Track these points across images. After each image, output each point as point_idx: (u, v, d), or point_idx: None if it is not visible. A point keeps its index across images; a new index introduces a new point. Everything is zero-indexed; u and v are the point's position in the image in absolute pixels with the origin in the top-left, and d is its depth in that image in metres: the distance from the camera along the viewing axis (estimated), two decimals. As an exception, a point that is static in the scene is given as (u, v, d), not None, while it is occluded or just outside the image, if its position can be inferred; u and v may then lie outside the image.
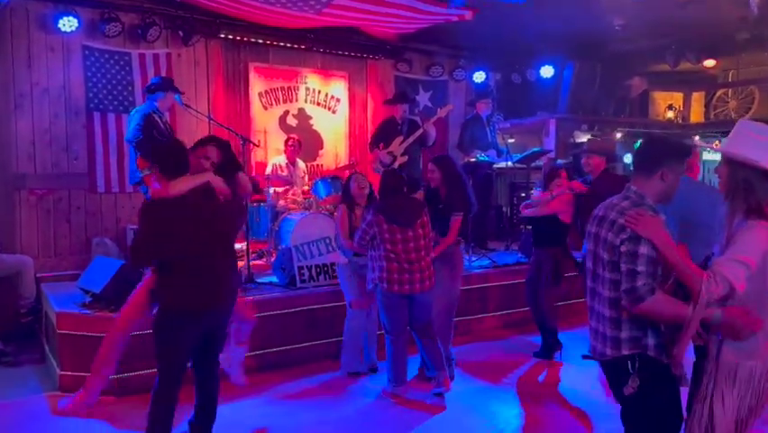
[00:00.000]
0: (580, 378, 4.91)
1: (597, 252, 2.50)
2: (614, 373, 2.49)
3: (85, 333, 4.58)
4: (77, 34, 6.42)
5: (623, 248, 2.33)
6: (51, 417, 4.22)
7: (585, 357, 2.68)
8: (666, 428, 2.48)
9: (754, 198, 2.36)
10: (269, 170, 7.21)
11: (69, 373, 4.60)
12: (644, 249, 2.31)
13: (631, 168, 2.58)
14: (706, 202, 4.06)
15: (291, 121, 8.14)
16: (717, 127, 11.64)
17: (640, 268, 2.30)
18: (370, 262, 4.56)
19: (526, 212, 5.46)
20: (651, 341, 2.38)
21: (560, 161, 7.67)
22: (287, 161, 7.20)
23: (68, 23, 6.25)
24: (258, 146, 7.47)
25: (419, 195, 5.49)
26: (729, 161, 2.42)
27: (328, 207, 6.39)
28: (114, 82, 6.76)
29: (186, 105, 6.15)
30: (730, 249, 2.31)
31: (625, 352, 2.40)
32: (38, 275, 5.86)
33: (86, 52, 6.60)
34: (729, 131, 2.51)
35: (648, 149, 2.57)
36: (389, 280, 4.38)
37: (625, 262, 2.33)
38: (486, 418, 4.28)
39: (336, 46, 8.24)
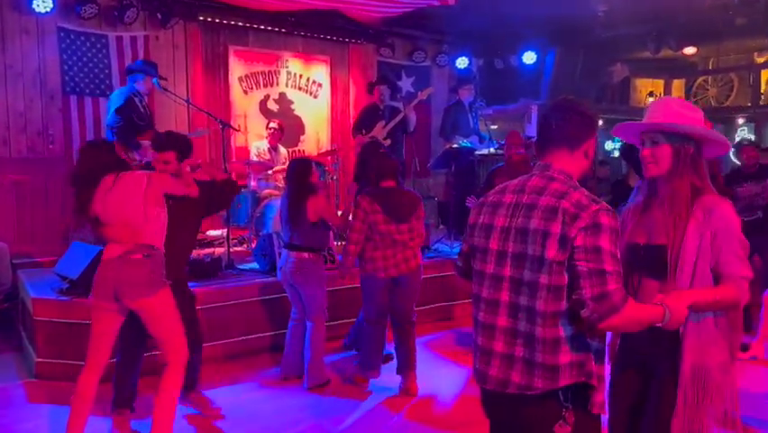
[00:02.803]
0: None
1: (515, 250, 1.93)
2: (537, 412, 1.91)
3: (62, 320, 4.52)
4: (52, 15, 6.28)
5: (578, 241, 1.81)
6: (28, 404, 4.18)
7: (484, 389, 2.02)
8: None
9: (700, 175, 2.18)
10: (253, 154, 7.13)
11: (46, 360, 4.54)
12: (605, 242, 1.81)
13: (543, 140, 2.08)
14: None
15: (272, 105, 8.06)
16: (697, 114, 11.76)
17: (608, 267, 1.79)
18: (344, 245, 4.36)
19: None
20: (594, 366, 1.89)
21: None
22: (268, 146, 7.13)
23: (42, 4, 6.10)
24: (238, 131, 7.40)
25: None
26: (671, 137, 2.18)
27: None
28: (90, 65, 6.64)
29: (164, 88, 6.06)
30: (725, 243, 2.10)
31: (563, 382, 1.86)
32: (14, 261, 5.77)
33: (62, 34, 6.46)
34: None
35: (572, 118, 2.02)
36: (375, 268, 4.27)
37: (586, 259, 1.80)
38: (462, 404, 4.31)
39: (318, 30, 8.16)
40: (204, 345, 4.28)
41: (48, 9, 6.14)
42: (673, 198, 2.16)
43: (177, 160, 3.65)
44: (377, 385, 4.48)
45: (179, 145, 3.69)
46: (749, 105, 11.17)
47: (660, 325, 1.95)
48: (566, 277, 1.84)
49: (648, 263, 2.20)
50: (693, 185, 2.16)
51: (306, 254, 4.37)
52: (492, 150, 7.54)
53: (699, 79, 11.85)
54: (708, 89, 11.72)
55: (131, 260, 3.25)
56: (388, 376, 4.51)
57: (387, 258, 4.26)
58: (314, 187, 4.42)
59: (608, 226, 1.82)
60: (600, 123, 11.12)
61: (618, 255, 1.84)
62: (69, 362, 4.50)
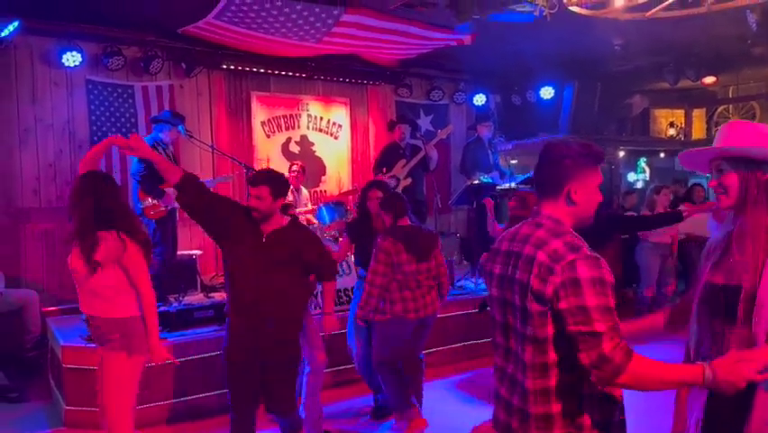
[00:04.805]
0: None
1: (510, 298, 1.91)
2: None
3: (91, 367, 4.52)
4: (81, 68, 6.49)
5: (562, 304, 1.72)
6: (57, 453, 4.18)
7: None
8: None
9: None
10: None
11: (75, 408, 4.55)
12: (591, 298, 1.69)
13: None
14: None
15: (294, 148, 8.17)
16: (720, 143, 11.64)
17: (600, 327, 1.67)
18: (366, 289, 4.21)
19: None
20: (586, 419, 1.83)
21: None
22: (291, 188, 7.20)
23: (71, 58, 6.31)
24: (261, 174, 7.49)
25: None
26: (737, 164, 1.93)
27: (332, 232, 6.39)
28: (117, 115, 6.82)
29: (189, 135, 6.19)
30: None
31: (557, 432, 1.82)
32: (44, 309, 5.84)
33: (90, 86, 6.66)
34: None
35: (546, 159, 1.94)
36: (406, 309, 4.21)
37: (574, 322, 1.70)
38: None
39: (337, 73, 8.31)
40: (217, 392, 4.29)
41: (77, 63, 6.36)
42: (747, 232, 1.90)
43: (271, 195, 3.42)
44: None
45: (273, 182, 3.45)
46: (773, 131, 11.04)
47: (704, 387, 1.71)
48: (550, 328, 1.78)
49: (725, 308, 1.92)
50: None
51: None
52: (513, 184, 7.53)
53: (720, 108, 11.78)
54: (729, 117, 11.63)
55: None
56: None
57: (416, 299, 4.22)
58: None
59: (588, 278, 1.70)
60: (621, 154, 11.19)
61: (611, 304, 1.70)
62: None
